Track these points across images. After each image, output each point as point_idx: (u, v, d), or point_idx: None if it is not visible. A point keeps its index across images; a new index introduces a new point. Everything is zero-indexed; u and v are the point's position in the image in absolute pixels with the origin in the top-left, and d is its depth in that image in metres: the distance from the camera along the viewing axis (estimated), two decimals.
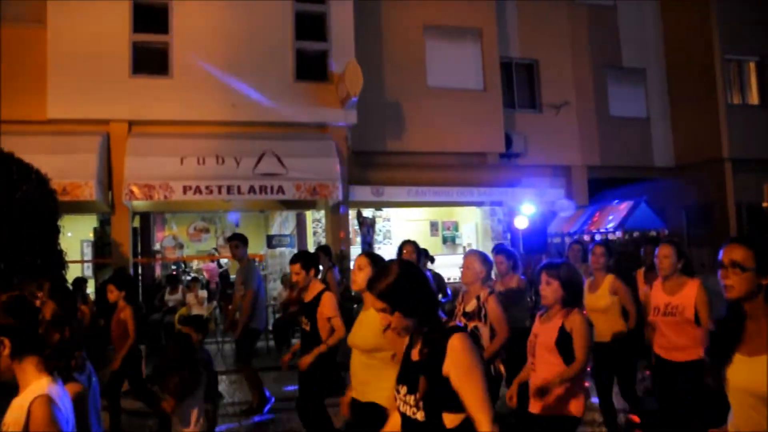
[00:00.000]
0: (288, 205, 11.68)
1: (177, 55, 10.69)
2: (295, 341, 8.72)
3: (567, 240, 12.97)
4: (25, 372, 2.17)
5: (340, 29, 11.45)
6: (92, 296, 10.36)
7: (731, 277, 2.32)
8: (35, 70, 10.05)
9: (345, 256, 10.89)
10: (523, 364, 3.96)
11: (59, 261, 7.07)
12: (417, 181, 11.83)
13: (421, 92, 12.97)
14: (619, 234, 12.65)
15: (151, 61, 10.71)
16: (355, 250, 11.25)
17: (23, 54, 10.13)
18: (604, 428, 5.53)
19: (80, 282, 9.45)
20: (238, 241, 7.54)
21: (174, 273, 14.65)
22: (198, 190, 9.91)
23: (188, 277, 13.77)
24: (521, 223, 12.93)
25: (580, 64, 15.08)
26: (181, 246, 16.93)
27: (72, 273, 8.33)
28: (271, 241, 13.76)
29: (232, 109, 10.69)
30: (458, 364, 2.24)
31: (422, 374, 2.29)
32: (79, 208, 10.10)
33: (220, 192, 9.97)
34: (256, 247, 14.24)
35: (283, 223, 14.97)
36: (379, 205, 13.07)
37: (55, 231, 7.00)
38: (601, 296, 5.48)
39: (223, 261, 16.37)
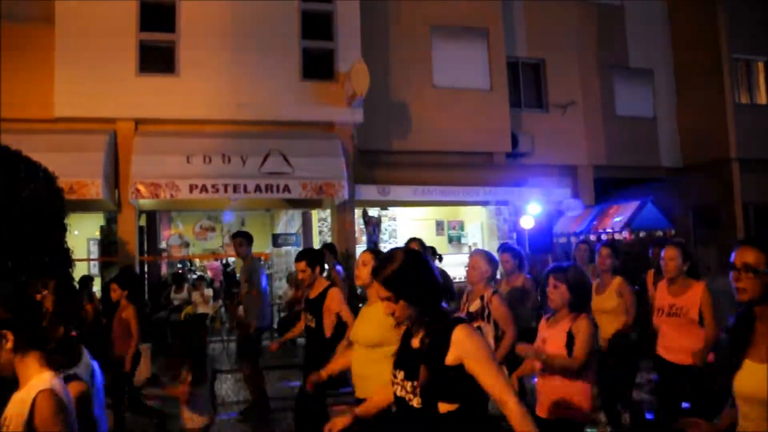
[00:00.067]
0: (294, 203, 11.69)
1: (184, 53, 10.71)
2: (301, 340, 8.71)
3: (573, 240, 12.92)
4: (27, 366, 2.16)
5: (347, 28, 11.44)
6: (98, 294, 10.39)
7: (744, 280, 2.28)
8: (42, 68, 10.08)
9: (350, 255, 10.88)
10: None
11: (66, 259, 7.07)
12: (423, 181, 11.80)
13: (428, 92, 12.96)
14: (625, 234, 12.59)
15: (157, 59, 10.73)
16: (361, 249, 11.23)
17: (31, 52, 10.18)
18: (608, 428, 5.51)
19: (86, 280, 9.46)
20: (242, 239, 7.50)
21: (180, 271, 14.70)
22: (204, 188, 9.91)
23: (194, 276, 13.81)
24: (527, 222, 12.88)
25: (586, 64, 15.02)
26: (187, 244, 16.95)
27: (79, 271, 8.35)
28: (276, 240, 13.80)
29: (239, 108, 10.69)
30: (470, 353, 2.26)
31: (423, 363, 2.29)
32: (85, 206, 10.12)
33: (226, 190, 9.96)
34: (261, 245, 14.28)
35: (288, 222, 14.99)
36: (384, 204, 13.06)
37: (62, 229, 7.00)
38: (608, 298, 5.43)
39: (230, 260, 16.39)
